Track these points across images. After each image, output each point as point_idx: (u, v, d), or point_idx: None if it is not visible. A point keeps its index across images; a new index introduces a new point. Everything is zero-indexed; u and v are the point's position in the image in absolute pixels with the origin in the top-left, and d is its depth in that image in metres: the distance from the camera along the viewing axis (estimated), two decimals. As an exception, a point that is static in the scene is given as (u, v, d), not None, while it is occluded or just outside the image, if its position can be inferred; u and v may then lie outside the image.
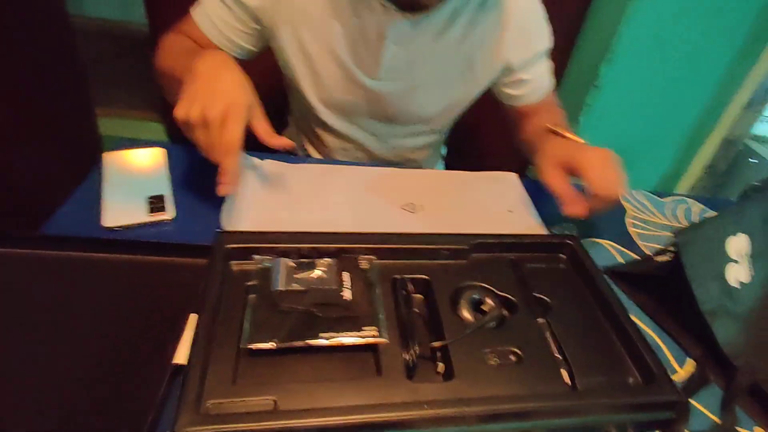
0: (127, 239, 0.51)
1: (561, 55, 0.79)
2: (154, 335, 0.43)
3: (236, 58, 0.68)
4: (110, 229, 0.54)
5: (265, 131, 0.55)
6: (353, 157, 0.85)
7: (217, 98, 0.50)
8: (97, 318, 0.44)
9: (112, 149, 0.66)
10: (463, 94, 0.79)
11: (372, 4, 0.64)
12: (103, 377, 0.39)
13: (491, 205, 0.70)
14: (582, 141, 0.63)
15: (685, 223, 0.77)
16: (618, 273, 0.62)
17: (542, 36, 0.75)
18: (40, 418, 0.36)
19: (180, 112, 0.50)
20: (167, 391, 0.39)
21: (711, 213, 0.80)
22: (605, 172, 0.55)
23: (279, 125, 0.96)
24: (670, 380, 0.43)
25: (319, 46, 0.69)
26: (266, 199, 0.62)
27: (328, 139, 0.83)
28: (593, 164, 0.55)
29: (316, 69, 0.71)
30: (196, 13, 0.69)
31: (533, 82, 0.77)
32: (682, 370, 0.52)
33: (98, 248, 0.49)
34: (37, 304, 0.44)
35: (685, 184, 1.49)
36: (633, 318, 0.49)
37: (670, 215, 0.78)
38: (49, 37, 0.98)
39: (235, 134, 0.51)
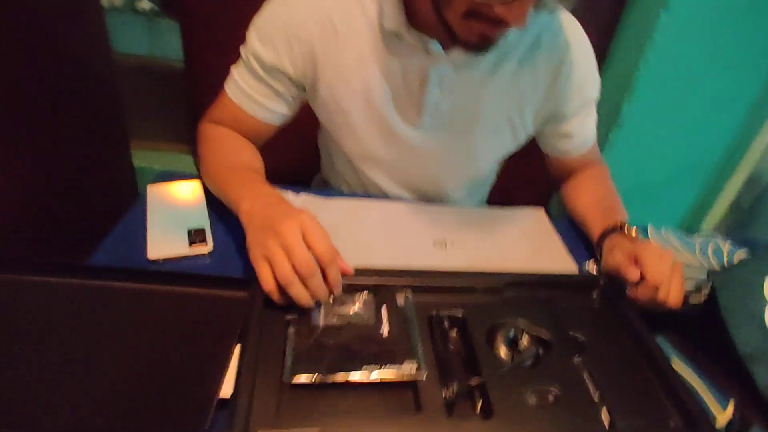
0: (172, 271, 0.52)
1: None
2: (197, 366, 0.44)
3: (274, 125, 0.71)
4: (154, 261, 0.56)
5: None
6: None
7: (285, 226, 0.47)
8: (142, 348, 0.45)
9: (151, 182, 0.69)
10: (511, 143, 0.75)
11: (413, 47, 0.62)
12: (148, 405, 0.40)
13: (521, 241, 0.71)
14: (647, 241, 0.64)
15: (715, 262, 0.76)
16: (649, 312, 0.61)
17: (594, 84, 0.72)
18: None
19: (266, 285, 0.47)
20: (214, 423, 0.39)
21: (741, 251, 0.79)
22: (660, 264, 0.55)
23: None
24: (713, 426, 0.42)
25: (353, 99, 0.67)
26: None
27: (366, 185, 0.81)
28: (651, 257, 0.56)
29: (352, 123, 0.69)
30: (230, 89, 0.69)
31: (579, 136, 0.76)
32: (724, 414, 0.51)
33: (144, 279, 0.51)
34: (84, 333, 0.46)
35: (710, 222, 1.47)
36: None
37: (700, 254, 0.77)
38: (93, 73, 1.04)
39: (325, 244, 0.47)
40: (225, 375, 0.42)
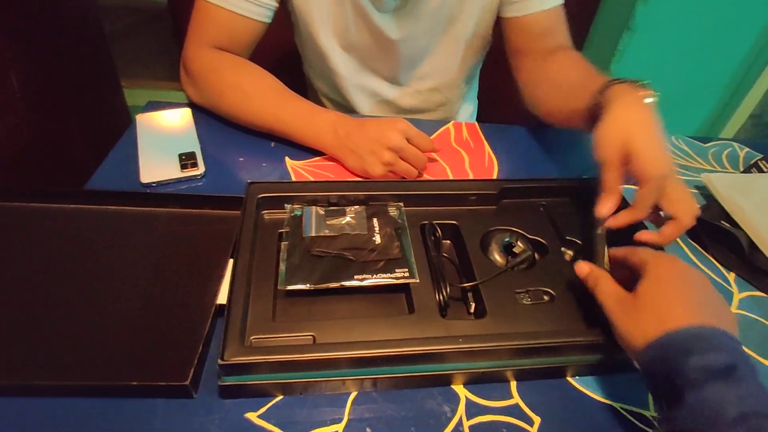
0: (166, 192, 0.52)
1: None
2: (195, 281, 0.45)
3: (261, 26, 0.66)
4: (147, 185, 0.55)
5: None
6: (379, 112, 0.84)
7: (394, 137, 0.57)
8: (142, 266, 0.46)
9: (143, 111, 0.68)
10: (466, 23, 0.72)
11: None
12: (152, 319, 0.42)
13: None
14: None
15: (729, 168, 0.73)
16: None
17: None
18: (98, 357, 0.39)
19: (377, 170, 0.57)
20: (212, 329, 0.40)
21: (758, 156, 0.76)
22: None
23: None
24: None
25: None
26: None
27: (350, 95, 0.81)
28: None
29: (330, 9, 0.68)
30: None
31: None
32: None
33: (140, 202, 0.51)
34: (86, 255, 0.47)
35: (727, 134, 1.41)
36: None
37: (713, 160, 0.75)
38: (77, 14, 1.01)
39: (425, 138, 0.60)
40: (221, 284, 0.43)
